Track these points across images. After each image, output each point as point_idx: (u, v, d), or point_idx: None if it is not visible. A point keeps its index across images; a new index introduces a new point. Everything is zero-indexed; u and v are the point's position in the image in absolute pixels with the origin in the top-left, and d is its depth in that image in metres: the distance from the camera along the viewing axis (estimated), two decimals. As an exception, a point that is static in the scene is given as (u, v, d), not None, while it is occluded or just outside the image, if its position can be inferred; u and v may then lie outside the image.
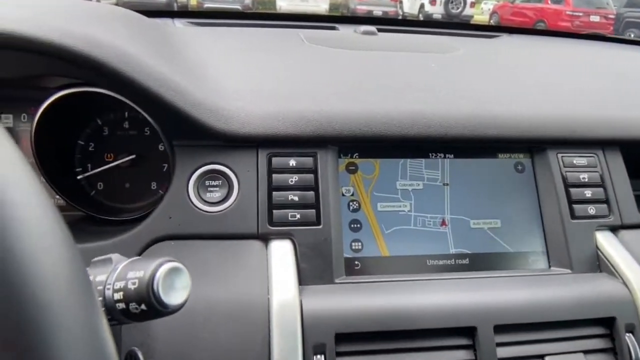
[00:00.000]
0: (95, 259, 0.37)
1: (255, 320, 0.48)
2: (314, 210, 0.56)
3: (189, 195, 0.55)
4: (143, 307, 0.32)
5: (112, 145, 0.75)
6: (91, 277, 0.35)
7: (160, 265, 0.33)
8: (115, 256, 0.35)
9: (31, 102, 0.75)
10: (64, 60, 0.49)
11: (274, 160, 0.57)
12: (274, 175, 0.57)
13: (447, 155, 0.63)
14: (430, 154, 0.63)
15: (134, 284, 0.32)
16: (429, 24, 1.20)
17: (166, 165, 0.78)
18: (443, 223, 0.61)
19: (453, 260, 0.60)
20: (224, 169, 0.57)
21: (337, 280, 0.55)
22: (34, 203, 0.21)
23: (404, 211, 0.61)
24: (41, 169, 0.65)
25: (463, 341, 0.51)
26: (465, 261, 0.60)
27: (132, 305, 0.32)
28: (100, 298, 0.33)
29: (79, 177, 0.72)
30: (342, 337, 0.48)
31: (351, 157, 0.61)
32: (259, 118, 0.58)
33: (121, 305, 0.32)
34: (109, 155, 0.75)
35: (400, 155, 0.62)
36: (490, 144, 0.64)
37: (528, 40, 1.21)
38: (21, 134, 0.73)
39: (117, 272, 0.34)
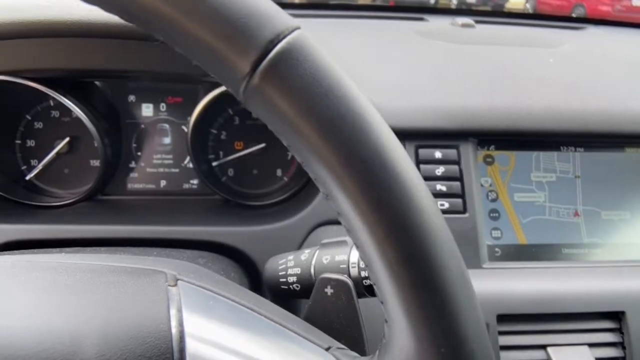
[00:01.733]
0: (326, 240, 0.41)
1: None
2: (460, 200, 0.60)
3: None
4: (392, 283, 0.36)
5: (241, 134, 0.80)
6: (328, 257, 0.40)
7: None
8: (349, 239, 0.40)
9: (166, 92, 0.81)
10: None
11: (421, 151, 0.61)
12: (421, 166, 0.61)
13: (577, 149, 0.66)
14: (561, 147, 0.66)
15: (381, 263, 0.37)
16: (511, 15, 1.21)
17: (290, 153, 0.82)
18: (576, 214, 0.64)
19: (587, 249, 0.63)
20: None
21: (484, 266, 0.59)
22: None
23: (538, 202, 0.64)
24: (193, 156, 0.71)
25: (610, 324, 0.54)
26: (598, 250, 0.63)
27: (378, 282, 0.37)
28: (346, 275, 0.38)
29: (214, 164, 0.78)
30: (502, 318, 0.52)
31: (488, 149, 0.64)
32: (407, 112, 0.61)
33: (368, 282, 0.37)
34: (238, 144, 0.81)
35: (533, 148, 0.65)
36: (621, 139, 0.66)
37: (614, 31, 1.20)
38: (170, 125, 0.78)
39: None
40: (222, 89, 0.67)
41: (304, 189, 0.73)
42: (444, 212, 0.59)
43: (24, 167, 0.75)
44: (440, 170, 0.61)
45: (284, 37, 0.22)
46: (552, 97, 0.66)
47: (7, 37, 0.55)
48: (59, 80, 0.64)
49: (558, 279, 0.57)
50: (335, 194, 0.23)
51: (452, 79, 0.69)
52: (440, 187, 0.60)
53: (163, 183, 0.80)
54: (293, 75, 0.22)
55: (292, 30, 0.22)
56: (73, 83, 0.67)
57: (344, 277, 0.34)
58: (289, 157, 0.80)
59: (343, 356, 0.27)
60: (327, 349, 0.28)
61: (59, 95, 0.64)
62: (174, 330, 0.26)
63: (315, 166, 0.23)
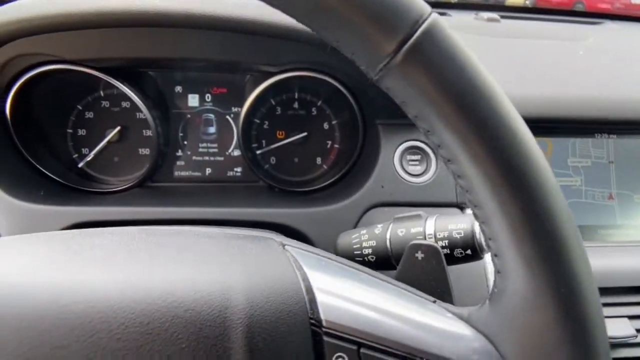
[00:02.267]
0: (399, 215, 0.44)
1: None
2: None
3: (395, 168, 0.63)
4: (468, 252, 0.40)
5: (283, 124, 0.83)
6: (404, 230, 0.43)
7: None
8: (422, 213, 0.43)
9: (211, 83, 0.84)
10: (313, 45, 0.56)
11: (466, 138, 0.65)
12: (466, 152, 0.64)
13: (610, 136, 0.69)
14: (596, 134, 0.69)
15: (459, 233, 0.40)
16: (529, 10, 1.24)
17: (330, 142, 0.86)
18: (610, 197, 0.67)
19: (620, 230, 0.66)
20: (422, 145, 0.64)
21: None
22: None
23: (575, 185, 0.67)
24: (242, 145, 0.74)
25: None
26: (631, 231, 0.67)
27: (457, 251, 0.40)
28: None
29: (257, 153, 0.81)
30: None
31: (527, 136, 0.68)
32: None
33: (446, 251, 0.40)
34: (280, 133, 0.84)
35: (569, 134, 0.69)
36: (652, 126, 0.69)
37: (630, 25, 1.23)
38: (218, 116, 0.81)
39: (435, 226, 0.41)
40: (271, 81, 0.70)
41: (344, 177, 0.76)
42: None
43: (75, 156, 0.77)
44: (484, 155, 0.64)
45: (425, 19, 0.25)
46: (585, 86, 0.69)
47: (69, 27, 0.58)
48: (116, 69, 0.67)
49: (596, 257, 0.61)
50: (460, 158, 0.26)
51: (496, 70, 0.72)
52: (485, 171, 0.64)
53: (208, 170, 0.83)
54: (434, 54, 0.25)
55: (430, 14, 0.25)
56: (129, 73, 0.70)
57: (434, 243, 0.37)
58: (328, 147, 0.83)
59: (449, 307, 0.31)
60: (434, 302, 0.31)
61: (119, 83, 0.66)
62: (302, 284, 0.29)
63: (445, 133, 0.26)
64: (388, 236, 0.44)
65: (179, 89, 0.81)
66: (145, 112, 0.70)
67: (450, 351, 0.27)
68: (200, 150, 0.83)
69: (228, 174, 0.84)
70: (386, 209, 0.62)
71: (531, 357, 0.26)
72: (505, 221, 0.26)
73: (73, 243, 0.31)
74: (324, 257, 0.33)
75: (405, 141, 0.64)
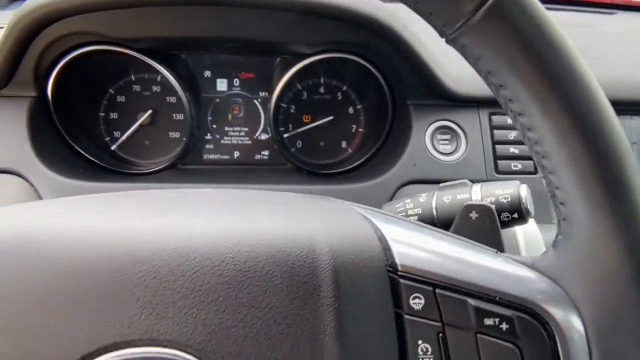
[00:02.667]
0: (443, 184, 0.46)
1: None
2: (531, 162, 0.65)
3: (426, 147, 0.65)
4: (515, 215, 0.42)
5: (309, 108, 0.85)
6: (450, 197, 0.45)
7: (520, 185, 0.43)
8: (467, 181, 0.45)
9: (239, 68, 0.85)
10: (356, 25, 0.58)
11: (494, 118, 0.66)
12: (495, 131, 0.66)
13: (633, 117, 0.71)
14: (620, 115, 0.71)
15: (505, 198, 0.42)
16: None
17: (355, 126, 0.87)
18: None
19: None
20: (452, 125, 0.66)
21: (553, 221, 0.64)
22: None
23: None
24: (272, 129, 0.76)
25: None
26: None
27: (504, 215, 0.42)
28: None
29: (285, 136, 0.82)
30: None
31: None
32: (480, 81, 0.66)
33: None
34: (306, 117, 0.85)
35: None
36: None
37: None
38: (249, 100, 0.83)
39: (481, 192, 0.43)
40: (304, 63, 0.72)
41: (372, 159, 0.78)
42: (518, 172, 0.64)
43: (107, 139, 0.79)
44: (512, 134, 0.66)
45: None
46: (607, 69, 0.71)
47: (115, 6, 0.59)
48: (152, 52, 0.69)
49: None
50: (533, 111, 0.28)
51: None
52: (513, 150, 0.65)
53: (236, 154, 0.85)
54: (514, 11, 0.27)
55: None
56: (164, 55, 0.71)
57: (488, 204, 0.39)
58: (353, 130, 0.85)
59: (512, 256, 0.32)
60: (496, 253, 0.33)
61: (157, 64, 0.68)
62: (375, 234, 0.31)
63: (520, 87, 0.28)
64: (434, 204, 0.45)
65: (208, 73, 0.83)
66: (180, 94, 0.72)
67: (519, 291, 0.29)
68: (229, 134, 0.84)
69: (255, 157, 0.86)
70: (418, 186, 0.63)
71: (600, 298, 0.28)
72: (575, 170, 0.27)
73: (165, 197, 0.33)
74: (385, 213, 0.35)
75: (436, 121, 0.66)
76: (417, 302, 0.29)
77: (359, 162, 0.79)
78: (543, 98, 0.27)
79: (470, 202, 0.39)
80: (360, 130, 0.86)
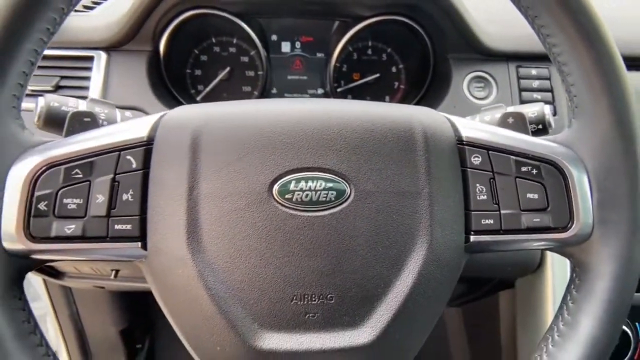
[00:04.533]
0: (484, 108, 0.61)
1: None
2: (551, 105, 0.79)
3: (464, 93, 0.79)
4: (540, 126, 0.56)
5: (358, 67, 0.99)
6: (489, 116, 0.60)
7: (544, 105, 0.57)
8: (502, 104, 0.60)
9: (300, 32, 1.00)
10: None
11: (520, 70, 0.80)
12: (521, 81, 0.80)
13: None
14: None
15: (533, 114, 0.57)
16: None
17: (397, 82, 1.02)
18: None
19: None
20: (485, 75, 0.80)
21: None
22: None
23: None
24: (331, 84, 0.91)
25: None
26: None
27: (532, 126, 0.57)
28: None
29: (338, 91, 0.97)
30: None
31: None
32: (510, 39, 0.80)
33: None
34: (355, 75, 1.00)
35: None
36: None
37: None
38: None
39: (515, 110, 0.58)
40: (358, 28, 0.86)
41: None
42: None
43: (192, 92, 0.95)
44: (535, 83, 0.80)
45: None
46: (630, 26, 0.84)
47: None
48: (238, 15, 0.84)
49: None
50: (557, 32, 0.42)
51: None
52: (536, 96, 0.80)
53: (297, 106, 1.00)
54: None
55: None
56: (246, 19, 0.86)
57: (521, 110, 0.54)
58: (395, 87, 1.00)
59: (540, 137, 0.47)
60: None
61: (246, 26, 0.83)
62: (448, 120, 0.46)
63: (548, 17, 0.42)
64: (477, 121, 0.60)
65: (274, 37, 0.98)
66: (258, 52, 0.87)
67: (545, 152, 0.43)
68: (291, 89, 1.00)
69: (313, 109, 1.01)
70: (457, 122, 0.78)
71: (599, 155, 0.42)
72: (583, 70, 0.42)
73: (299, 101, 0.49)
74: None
75: (472, 72, 0.80)
76: (476, 159, 0.44)
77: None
78: (563, 24, 0.42)
79: (507, 111, 0.54)
80: (402, 86, 1.00)
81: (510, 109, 0.58)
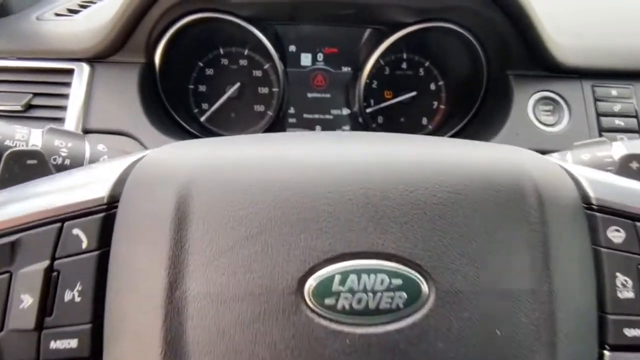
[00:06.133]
0: (578, 143, 0.46)
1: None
2: (637, 134, 0.64)
3: (529, 117, 0.64)
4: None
5: (391, 84, 0.85)
6: (588, 155, 0.44)
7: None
8: (605, 139, 0.44)
9: (323, 43, 0.86)
10: None
11: (597, 90, 0.65)
12: (598, 103, 0.64)
13: None
14: None
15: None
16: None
17: (437, 102, 0.87)
18: None
19: None
20: (554, 95, 0.65)
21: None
22: None
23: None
24: (363, 102, 0.76)
25: None
26: None
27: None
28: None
29: (367, 111, 0.83)
30: None
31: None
32: (583, 52, 0.65)
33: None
34: (387, 93, 0.86)
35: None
36: None
37: None
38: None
39: (626, 147, 0.43)
40: (393, 39, 0.72)
41: (459, 135, 0.77)
42: (624, 144, 0.63)
43: (195, 111, 0.81)
44: (617, 107, 0.65)
45: None
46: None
47: None
48: (249, 20, 0.70)
49: None
50: None
51: (621, 22, 0.73)
52: (619, 122, 0.64)
53: (318, 128, 0.85)
54: None
55: None
56: (260, 25, 0.72)
57: (648, 152, 0.38)
58: (435, 107, 0.85)
59: None
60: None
61: (258, 32, 0.69)
62: (566, 171, 0.31)
63: None
64: (570, 162, 0.45)
65: (292, 48, 0.84)
66: (274, 64, 0.73)
67: None
68: (311, 108, 0.85)
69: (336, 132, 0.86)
70: (522, 155, 0.63)
71: None
72: None
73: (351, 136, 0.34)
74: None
75: (537, 92, 0.65)
76: (615, 235, 0.28)
77: (448, 134, 0.79)
78: None
79: (630, 152, 0.39)
80: (442, 107, 0.85)
81: (619, 146, 0.43)
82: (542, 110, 0.65)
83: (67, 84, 0.63)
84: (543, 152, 0.64)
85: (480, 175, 0.27)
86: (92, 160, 0.41)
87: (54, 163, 0.39)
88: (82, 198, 0.26)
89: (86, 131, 0.62)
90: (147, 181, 0.27)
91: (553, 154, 0.47)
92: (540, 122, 0.64)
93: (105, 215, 0.26)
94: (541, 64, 0.64)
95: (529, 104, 0.65)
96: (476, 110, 0.74)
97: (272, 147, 0.30)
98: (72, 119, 0.61)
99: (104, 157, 0.42)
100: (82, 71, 0.63)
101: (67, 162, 0.39)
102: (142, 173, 0.28)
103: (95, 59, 0.64)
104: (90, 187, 0.27)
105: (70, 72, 0.63)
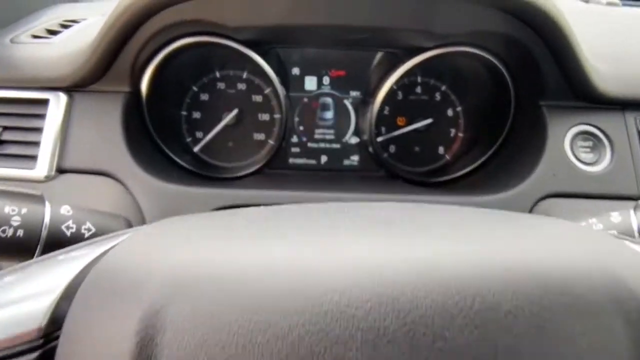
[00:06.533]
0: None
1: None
2: None
3: (567, 155, 0.56)
4: None
5: (403, 109, 0.77)
6: None
7: None
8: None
9: (329, 65, 0.78)
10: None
11: (643, 122, 0.57)
12: (644, 137, 0.57)
13: None
14: None
15: None
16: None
17: (454, 130, 0.79)
18: None
19: None
20: (593, 129, 0.57)
21: None
22: None
23: None
24: (373, 132, 0.69)
25: None
26: None
27: None
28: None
29: (378, 140, 0.75)
30: None
31: None
32: (625, 80, 0.58)
33: None
34: (400, 120, 0.78)
35: None
36: None
37: None
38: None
39: None
40: (410, 64, 0.64)
41: (481, 169, 0.70)
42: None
43: (189, 139, 0.73)
44: (664, 141, 0.57)
45: None
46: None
47: None
48: (247, 43, 0.62)
49: None
50: None
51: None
52: (667, 159, 0.56)
53: (324, 159, 0.78)
54: None
55: None
56: (259, 49, 0.65)
57: None
58: (452, 135, 0.77)
59: None
60: None
61: (257, 56, 0.62)
62: None
63: None
64: (636, 225, 0.37)
65: (296, 71, 0.76)
66: (275, 90, 0.65)
67: None
68: (316, 136, 0.77)
69: (344, 163, 0.78)
70: (561, 200, 0.55)
71: None
72: None
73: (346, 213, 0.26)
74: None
75: (576, 125, 0.57)
76: None
77: (467, 169, 0.71)
78: None
79: None
80: (460, 134, 0.77)
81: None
82: (580, 147, 0.57)
83: (42, 116, 0.56)
84: (584, 196, 0.56)
85: (563, 291, 0.20)
86: (52, 229, 0.33)
87: (3, 236, 0.31)
88: (7, 333, 0.18)
89: (61, 170, 0.54)
90: (99, 303, 0.19)
91: (613, 214, 0.39)
92: (579, 160, 0.57)
93: (40, 354, 0.19)
94: (579, 94, 0.56)
95: (566, 139, 0.57)
96: (502, 142, 0.66)
97: (275, 246, 0.22)
98: (45, 157, 0.54)
99: (68, 222, 0.34)
100: (58, 101, 0.56)
101: (20, 233, 0.32)
102: (93, 287, 0.20)
103: (74, 88, 0.56)
104: (24, 311, 0.19)
105: (44, 102, 0.56)
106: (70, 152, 0.55)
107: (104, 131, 0.55)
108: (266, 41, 0.64)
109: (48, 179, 0.53)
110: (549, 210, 0.54)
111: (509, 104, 0.63)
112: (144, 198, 0.53)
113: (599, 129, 0.57)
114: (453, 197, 0.59)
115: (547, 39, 0.52)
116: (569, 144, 0.57)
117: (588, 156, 0.57)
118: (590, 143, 0.57)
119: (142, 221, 0.51)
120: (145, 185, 0.53)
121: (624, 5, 0.98)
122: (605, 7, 0.96)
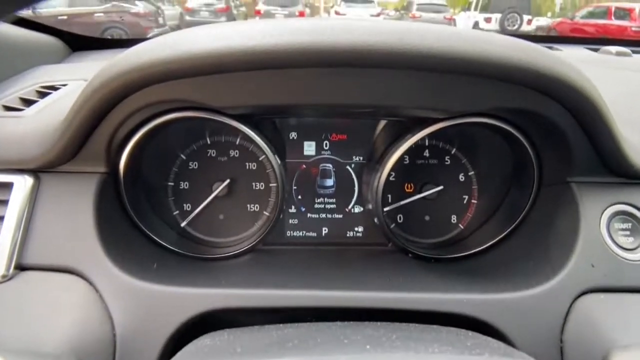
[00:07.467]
0: None
1: None
2: None
3: (604, 239, 0.49)
4: None
5: (411, 175, 0.70)
6: None
7: None
8: None
9: (329, 129, 0.72)
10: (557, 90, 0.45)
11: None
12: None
13: None
14: None
15: None
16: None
17: (467, 196, 0.72)
18: None
19: None
20: (632, 209, 0.50)
21: None
22: None
23: None
24: (381, 200, 0.61)
25: None
26: None
27: None
28: None
29: (385, 209, 0.68)
30: None
31: None
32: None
33: None
34: (409, 186, 0.71)
35: None
36: None
37: None
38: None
39: None
40: (421, 135, 0.58)
41: (502, 243, 0.62)
42: None
43: (176, 212, 0.66)
44: None
45: None
46: None
47: (214, 71, 0.46)
48: (243, 117, 0.57)
49: None
50: None
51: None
52: None
53: (325, 230, 0.70)
54: None
55: None
56: (251, 119, 0.59)
57: None
58: (465, 202, 0.70)
59: None
60: None
61: (247, 129, 0.56)
62: None
63: None
64: None
65: (293, 135, 0.70)
66: (268, 159, 0.59)
67: None
68: (316, 206, 0.70)
69: (347, 235, 0.71)
70: (603, 295, 0.47)
71: None
72: None
73: None
74: None
75: (612, 204, 0.50)
76: None
77: (484, 245, 0.63)
78: None
79: None
80: (473, 201, 0.70)
81: None
82: (619, 230, 0.50)
83: (3, 203, 0.49)
84: (629, 290, 0.49)
85: None
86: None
87: None
88: None
89: (22, 267, 0.47)
90: None
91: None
92: (619, 245, 0.49)
93: None
94: (613, 170, 0.50)
95: (601, 221, 0.50)
96: (523, 216, 0.59)
97: None
98: (4, 251, 0.46)
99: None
100: (22, 185, 0.49)
101: None
102: None
103: (41, 169, 0.50)
104: None
105: (7, 186, 0.49)
106: (32, 245, 0.47)
107: (72, 219, 0.48)
108: (259, 114, 0.58)
109: (4, 278, 0.46)
110: (593, 310, 0.46)
111: (531, 177, 0.57)
112: (113, 301, 0.45)
113: (637, 208, 0.50)
114: (476, 295, 0.50)
115: (584, 122, 0.45)
116: (606, 226, 0.50)
117: (627, 240, 0.50)
118: (629, 225, 0.50)
119: (109, 331, 0.43)
120: (117, 284, 0.46)
121: (634, 53, 0.94)
122: (616, 57, 0.92)
